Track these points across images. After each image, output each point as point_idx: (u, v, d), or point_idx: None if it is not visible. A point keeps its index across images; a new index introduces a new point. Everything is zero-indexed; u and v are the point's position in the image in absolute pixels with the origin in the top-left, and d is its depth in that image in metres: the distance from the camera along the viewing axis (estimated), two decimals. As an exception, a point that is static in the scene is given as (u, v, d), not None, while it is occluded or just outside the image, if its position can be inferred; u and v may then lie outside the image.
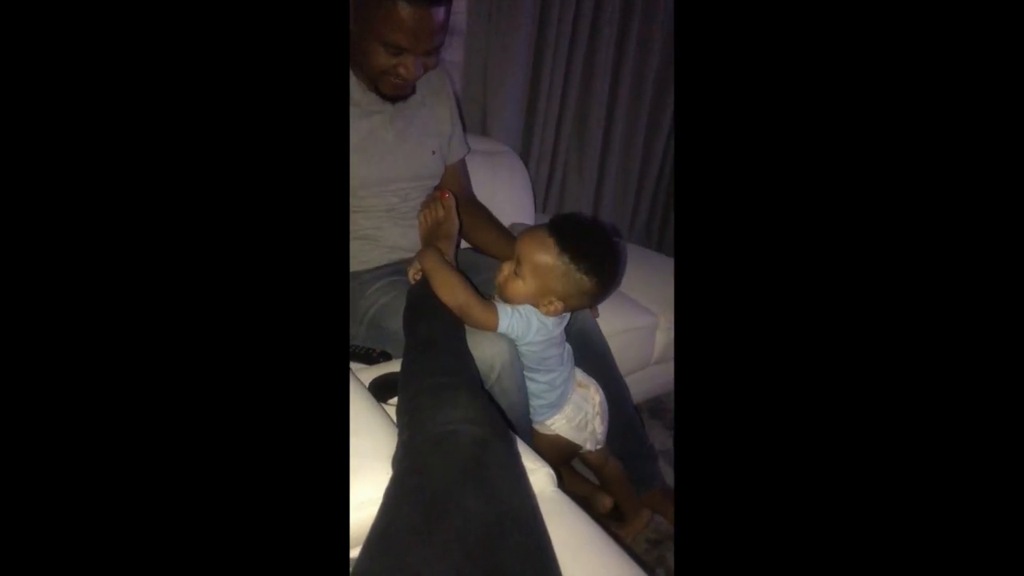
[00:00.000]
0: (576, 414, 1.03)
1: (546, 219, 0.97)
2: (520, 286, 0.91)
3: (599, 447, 1.09)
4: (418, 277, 0.98)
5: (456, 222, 1.09)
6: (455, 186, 1.21)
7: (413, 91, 1.10)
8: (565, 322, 0.99)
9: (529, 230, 0.94)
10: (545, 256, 0.89)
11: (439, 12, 0.91)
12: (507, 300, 0.94)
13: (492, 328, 0.90)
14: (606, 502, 1.14)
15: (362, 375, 0.90)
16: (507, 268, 0.93)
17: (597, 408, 1.06)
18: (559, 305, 0.90)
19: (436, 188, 1.17)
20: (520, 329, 0.91)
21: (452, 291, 0.89)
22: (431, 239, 1.07)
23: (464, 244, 1.23)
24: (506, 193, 1.61)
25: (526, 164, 1.80)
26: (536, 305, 0.92)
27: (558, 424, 1.03)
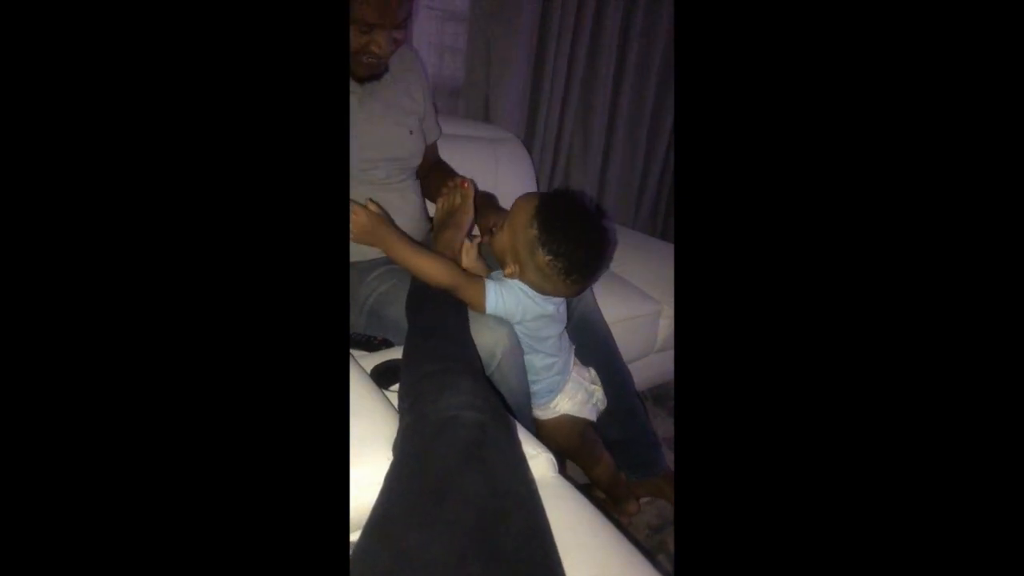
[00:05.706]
0: (576, 390, 1.04)
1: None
2: (498, 238, 0.93)
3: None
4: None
5: (471, 212, 1.07)
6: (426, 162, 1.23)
7: (386, 69, 1.09)
8: (560, 301, 0.98)
9: (535, 192, 0.95)
10: (522, 217, 0.90)
11: None
12: (492, 249, 0.96)
13: (480, 307, 0.90)
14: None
15: (364, 362, 0.90)
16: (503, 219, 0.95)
17: (594, 380, 1.07)
18: (516, 270, 0.91)
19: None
20: (510, 304, 0.90)
21: (434, 276, 0.89)
22: (444, 226, 1.05)
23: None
24: (509, 181, 1.60)
25: (529, 151, 1.79)
26: (503, 264, 0.93)
27: (562, 404, 1.03)
